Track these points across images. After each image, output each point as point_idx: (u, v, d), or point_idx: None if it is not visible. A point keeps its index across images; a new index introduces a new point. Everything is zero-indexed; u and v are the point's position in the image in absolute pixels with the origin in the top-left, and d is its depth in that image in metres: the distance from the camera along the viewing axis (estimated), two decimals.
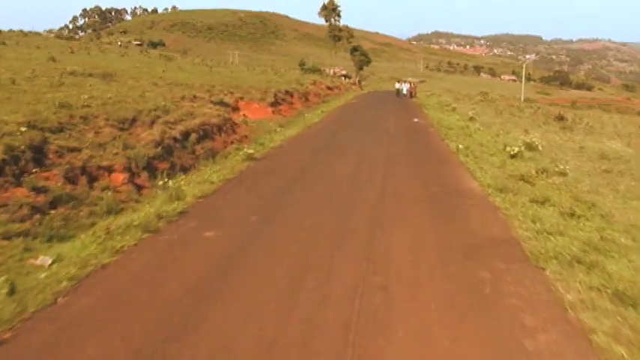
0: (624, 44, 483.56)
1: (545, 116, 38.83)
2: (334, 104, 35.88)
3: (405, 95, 47.80)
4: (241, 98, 26.14)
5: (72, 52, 44.70)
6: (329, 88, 48.67)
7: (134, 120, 14.59)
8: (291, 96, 32.80)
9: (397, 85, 51.30)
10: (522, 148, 15.97)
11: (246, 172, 12.30)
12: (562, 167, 13.04)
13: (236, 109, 24.91)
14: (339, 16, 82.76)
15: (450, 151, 15.70)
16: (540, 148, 17.10)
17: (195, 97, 21.88)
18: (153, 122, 15.02)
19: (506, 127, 26.13)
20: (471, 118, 26.91)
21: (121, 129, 13.54)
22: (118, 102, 16.18)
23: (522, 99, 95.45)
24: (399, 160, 14.66)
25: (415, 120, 24.68)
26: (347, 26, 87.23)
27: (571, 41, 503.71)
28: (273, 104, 27.33)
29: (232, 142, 18.43)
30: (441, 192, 10.28)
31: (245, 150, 14.90)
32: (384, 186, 10.79)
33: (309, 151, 16.01)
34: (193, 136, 15.59)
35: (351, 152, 15.72)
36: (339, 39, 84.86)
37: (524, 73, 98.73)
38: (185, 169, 13.48)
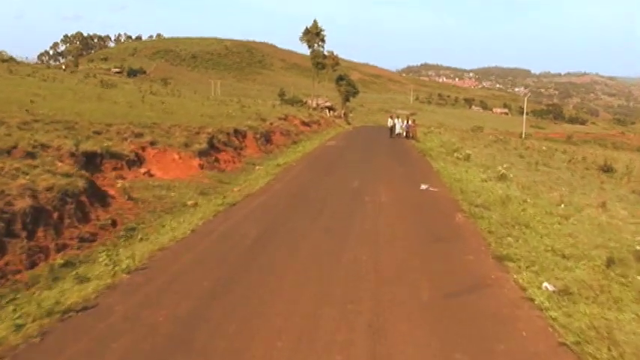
0: (612, 78, 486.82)
1: (583, 163, 29.96)
2: (305, 148, 26.72)
3: (399, 135, 38.19)
4: (152, 144, 16.83)
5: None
6: (304, 123, 39.45)
7: None
8: (243, 137, 23.52)
9: (390, 122, 39.93)
10: None
11: None
12: None
13: (137, 161, 15.65)
14: (322, 41, 74.34)
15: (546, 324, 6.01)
16: None
17: (45, 147, 12.57)
18: None
19: (559, 191, 16.98)
20: (502, 176, 17.77)
21: None
22: None
23: (523, 135, 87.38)
24: None
25: (424, 187, 15.10)
26: (332, 53, 78.71)
27: (559, 75, 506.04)
28: (203, 153, 18.03)
29: (64, 247, 9.12)
30: None
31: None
32: None
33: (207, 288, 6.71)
34: None
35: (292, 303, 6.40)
36: (323, 67, 76.19)
37: (525, 106, 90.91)
38: None
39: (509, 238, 9.44)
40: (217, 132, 20.94)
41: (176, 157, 16.93)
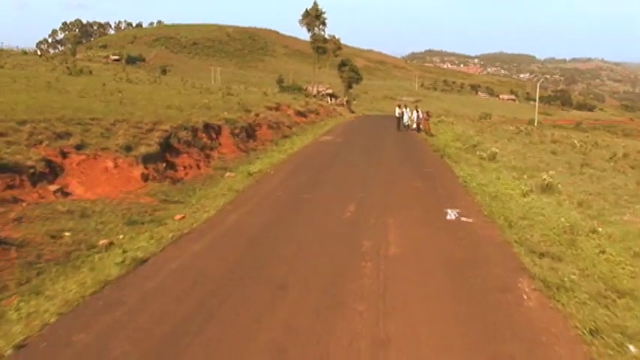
0: (617, 64, 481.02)
1: (625, 160, 25.13)
2: (294, 146, 22.10)
3: (407, 127, 33.22)
4: (79, 148, 12.43)
5: None
6: (299, 113, 34.65)
7: None
8: (217, 134, 19.01)
9: (398, 112, 34.29)
10: None
11: None
12: None
13: (50, 174, 11.27)
14: (323, 24, 69.49)
15: None
16: None
17: None
18: None
19: (631, 209, 12.44)
20: (547, 186, 13.25)
21: None
22: None
23: (535, 122, 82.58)
24: None
25: (451, 215, 10.22)
26: (334, 37, 73.69)
27: (564, 60, 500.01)
28: (151, 158, 13.52)
29: None
30: None
31: None
32: None
33: None
34: None
35: None
36: (324, 51, 71.32)
37: (537, 93, 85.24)
38: None
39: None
40: (178, 128, 16.38)
41: (110, 165, 12.46)
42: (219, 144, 18.74)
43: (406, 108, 34.69)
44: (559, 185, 13.73)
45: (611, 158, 25.68)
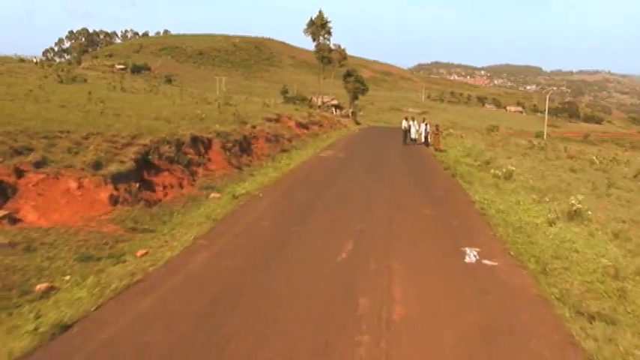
0: (624, 76, 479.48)
1: None
2: (291, 162, 20.28)
3: (414, 141, 31.54)
4: (38, 165, 10.84)
5: None
6: (301, 125, 32.95)
7: None
8: (206, 148, 17.33)
9: (404, 124, 32.67)
10: None
11: None
12: None
13: (6, 193, 9.65)
14: (329, 33, 68.13)
15: None
16: None
17: None
18: None
19: None
20: (575, 213, 11.46)
21: None
22: None
23: (545, 135, 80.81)
24: None
25: (471, 256, 8.25)
26: (339, 46, 72.20)
27: (571, 72, 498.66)
28: (123, 177, 11.82)
29: None
30: None
31: None
32: None
33: None
34: None
35: None
36: (329, 61, 69.81)
37: (547, 105, 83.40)
38: None
39: None
40: (161, 142, 14.69)
41: (73, 185, 10.77)
42: (209, 159, 17.03)
43: (413, 121, 33.27)
44: (588, 211, 11.94)
45: (635, 176, 23.82)
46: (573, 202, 11.54)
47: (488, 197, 13.50)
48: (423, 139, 30.76)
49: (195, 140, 17.00)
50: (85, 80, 39.39)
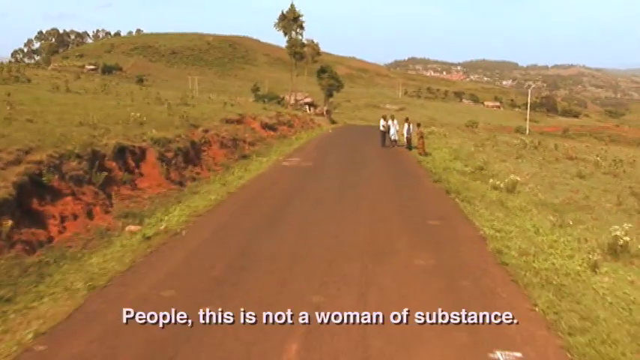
0: (599, 70, 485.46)
1: None
2: (245, 176, 16.71)
3: (394, 142, 28.45)
4: None
5: None
6: (267, 126, 29.50)
7: None
8: (137, 162, 13.88)
9: (382, 124, 28.85)
10: None
11: None
12: None
13: None
14: (301, 27, 64.84)
15: None
16: None
17: None
18: None
19: None
20: (622, 247, 8.29)
21: None
22: None
23: (527, 131, 78.50)
24: None
25: None
26: (312, 41, 68.89)
27: (546, 67, 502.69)
28: None
29: None
30: None
31: None
32: None
33: None
34: None
35: None
36: (302, 57, 66.47)
37: (529, 100, 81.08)
38: None
39: None
40: (67, 157, 11.21)
41: None
42: (140, 175, 13.62)
43: (393, 120, 29.09)
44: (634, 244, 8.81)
45: None
46: (618, 233, 8.38)
47: (499, 225, 10.30)
48: (405, 141, 27.21)
49: (122, 151, 13.54)
50: (29, 80, 35.54)
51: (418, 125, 26.83)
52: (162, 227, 9.70)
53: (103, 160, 12.61)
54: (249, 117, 28.18)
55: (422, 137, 25.06)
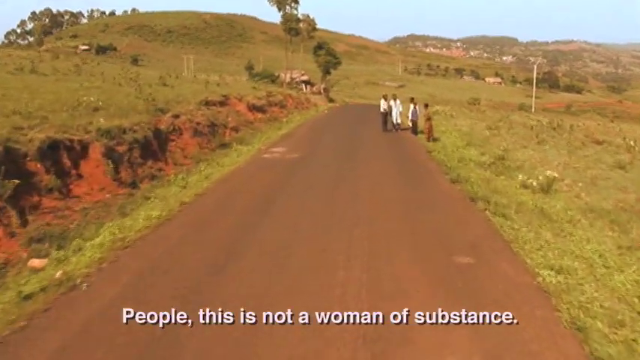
0: (599, 45, 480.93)
1: None
2: (216, 172, 13.73)
3: (397, 127, 25.08)
4: None
5: None
6: (254, 108, 26.42)
7: None
8: (75, 160, 10.89)
9: (383, 105, 25.31)
10: None
11: None
12: None
13: None
14: (296, 2, 61.28)
15: None
16: None
17: None
18: None
19: None
20: None
21: None
22: None
23: (533, 108, 75.33)
24: None
25: None
26: (308, 16, 65.44)
27: (547, 43, 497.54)
28: None
29: None
30: None
31: None
32: None
33: None
34: None
35: None
36: (297, 32, 63.12)
37: (534, 77, 77.85)
38: None
39: None
40: None
41: None
42: (78, 177, 10.67)
43: (395, 100, 25.28)
44: None
45: None
46: None
47: (553, 258, 7.19)
48: (410, 124, 23.70)
49: (55, 147, 10.53)
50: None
51: (426, 106, 22.88)
52: (58, 274, 6.67)
53: (23, 160, 9.63)
54: (234, 98, 25.10)
55: (429, 120, 21.64)
